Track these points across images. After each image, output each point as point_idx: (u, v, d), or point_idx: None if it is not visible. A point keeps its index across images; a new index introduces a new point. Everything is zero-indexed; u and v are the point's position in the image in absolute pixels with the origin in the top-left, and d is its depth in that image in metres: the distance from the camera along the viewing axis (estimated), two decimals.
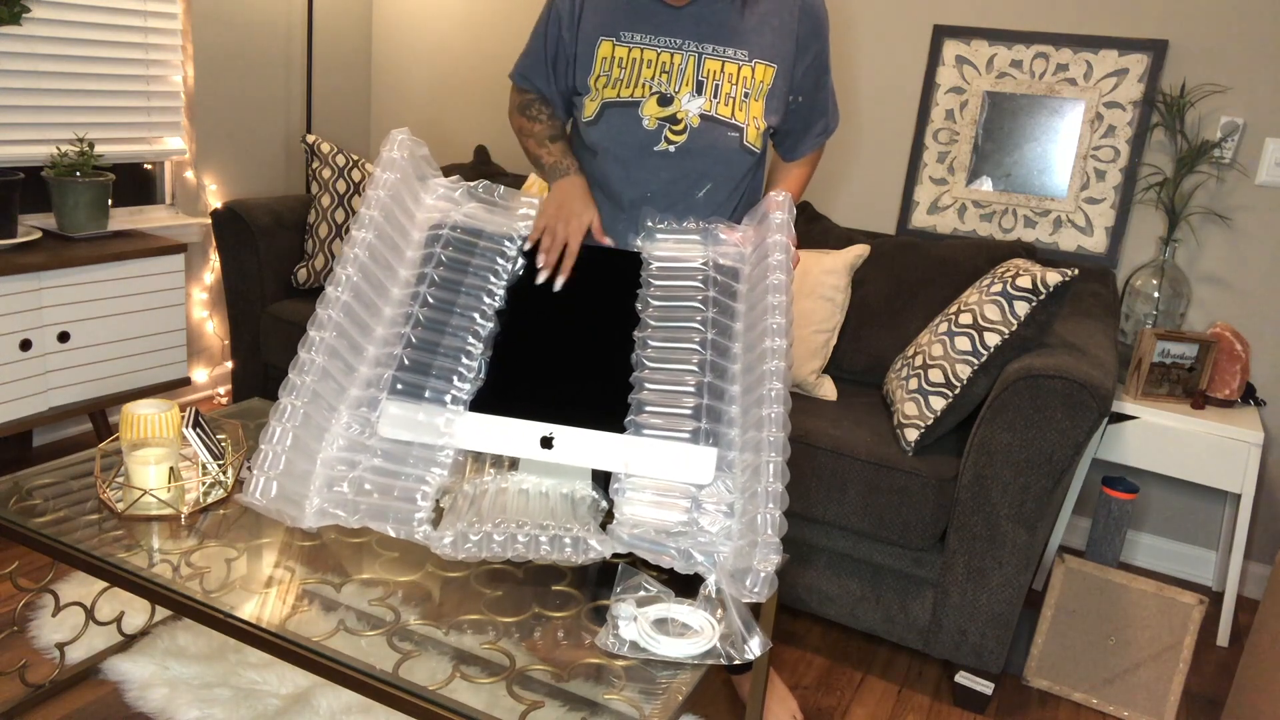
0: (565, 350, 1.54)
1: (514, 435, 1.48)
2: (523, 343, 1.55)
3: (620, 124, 1.62)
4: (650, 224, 1.64)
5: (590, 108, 1.64)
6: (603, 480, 1.56)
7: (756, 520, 1.30)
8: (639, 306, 1.56)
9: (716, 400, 1.46)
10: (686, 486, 1.43)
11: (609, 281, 1.60)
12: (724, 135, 1.61)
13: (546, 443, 1.48)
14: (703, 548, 1.36)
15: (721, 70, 1.59)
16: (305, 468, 1.42)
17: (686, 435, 1.43)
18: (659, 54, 1.59)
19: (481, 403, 1.50)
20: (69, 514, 1.52)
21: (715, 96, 1.59)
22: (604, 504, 1.52)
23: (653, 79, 1.59)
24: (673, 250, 1.62)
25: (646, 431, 1.44)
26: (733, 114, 1.60)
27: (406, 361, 1.50)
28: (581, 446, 1.47)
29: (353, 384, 1.51)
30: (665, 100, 1.59)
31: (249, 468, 1.39)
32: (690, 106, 1.59)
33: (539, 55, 1.70)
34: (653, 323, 1.53)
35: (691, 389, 1.46)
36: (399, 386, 1.48)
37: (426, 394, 1.48)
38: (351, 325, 1.50)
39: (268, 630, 1.27)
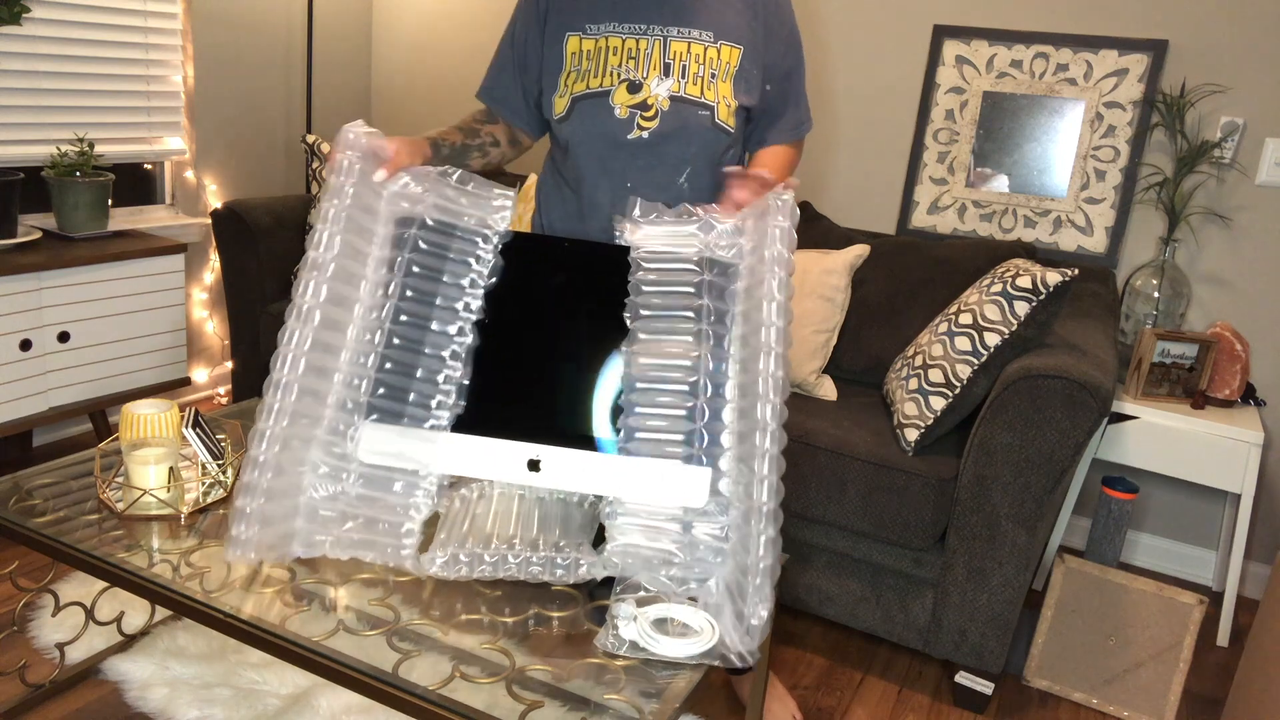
0: (551, 364, 1.47)
1: (500, 458, 1.44)
2: (506, 357, 1.48)
3: (592, 115, 1.59)
4: (638, 215, 1.52)
5: (560, 105, 1.61)
6: None
7: (747, 573, 1.28)
8: (627, 316, 1.46)
9: (711, 420, 1.41)
10: (679, 511, 1.40)
11: (595, 284, 1.51)
12: (695, 115, 1.58)
13: (534, 465, 1.44)
14: (696, 576, 1.35)
15: (688, 51, 1.57)
16: (287, 505, 1.37)
17: (679, 456, 1.39)
18: (624, 40, 1.58)
19: (465, 423, 1.44)
20: (69, 514, 1.52)
21: (683, 77, 1.57)
22: (602, 508, 1.50)
23: (620, 66, 1.57)
24: (663, 245, 1.51)
25: (638, 453, 1.40)
26: (701, 93, 1.58)
27: (382, 384, 1.43)
28: (570, 468, 1.43)
29: (325, 412, 1.41)
30: (635, 87, 1.57)
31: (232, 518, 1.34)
32: (659, 90, 1.57)
33: (506, 65, 1.69)
34: (642, 336, 1.45)
35: (684, 412, 1.41)
36: (375, 413, 1.42)
37: (404, 420, 1.42)
38: (324, 354, 1.41)
39: (268, 630, 1.27)
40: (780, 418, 1.30)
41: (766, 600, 1.26)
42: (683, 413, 1.41)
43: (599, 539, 1.44)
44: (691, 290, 1.45)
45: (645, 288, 1.46)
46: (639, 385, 1.43)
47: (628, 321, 1.46)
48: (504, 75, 1.70)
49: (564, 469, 1.43)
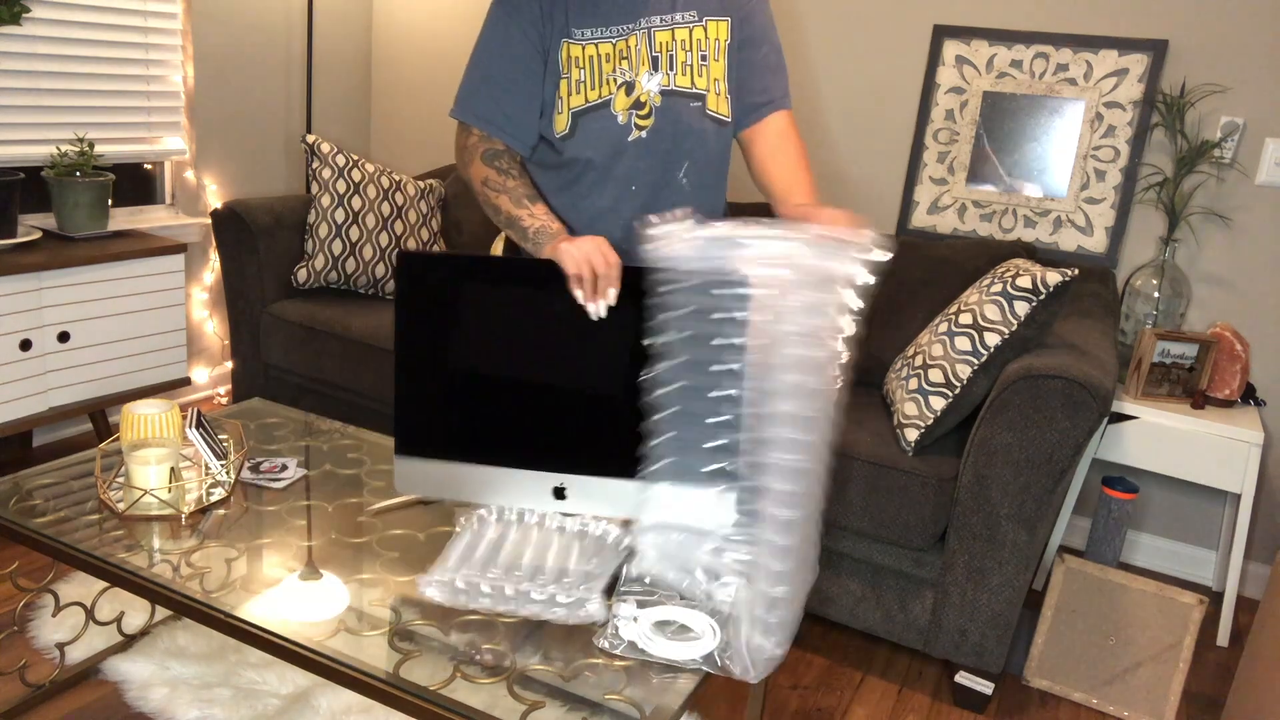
0: (574, 392, 1.43)
1: (526, 486, 1.46)
2: (529, 387, 1.44)
3: (598, 128, 1.53)
4: (665, 231, 1.35)
5: (560, 121, 1.53)
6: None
7: (759, 602, 1.27)
8: (646, 343, 1.38)
9: (738, 444, 1.37)
10: (702, 541, 1.40)
11: (615, 308, 1.41)
12: (686, 107, 1.54)
13: (559, 493, 1.46)
14: (714, 609, 1.34)
15: (673, 39, 1.53)
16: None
17: (706, 483, 1.38)
18: (614, 44, 1.52)
19: (492, 453, 1.46)
20: (69, 514, 1.52)
21: (672, 69, 1.53)
22: (626, 543, 1.47)
23: (613, 72, 1.52)
24: (688, 264, 1.36)
25: (662, 480, 1.39)
26: (691, 82, 1.54)
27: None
28: (595, 495, 1.45)
29: None
30: (630, 87, 1.53)
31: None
32: (650, 85, 1.53)
33: (506, 81, 1.53)
34: (666, 363, 1.38)
35: (710, 444, 1.38)
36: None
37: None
38: None
39: (268, 630, 1.27)
40: (797, 451, 1.23)
41: (777, 634, 1.24)
42: (709, 443, 1.38)
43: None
44: (719, 317, 1.34)
45: (666, 314, 1.36)
46: (663, 411, 1.39)
47: (648, 349, 1.37)
48: (504, 92, 1.54)
49: (589, 495, 1.45)
